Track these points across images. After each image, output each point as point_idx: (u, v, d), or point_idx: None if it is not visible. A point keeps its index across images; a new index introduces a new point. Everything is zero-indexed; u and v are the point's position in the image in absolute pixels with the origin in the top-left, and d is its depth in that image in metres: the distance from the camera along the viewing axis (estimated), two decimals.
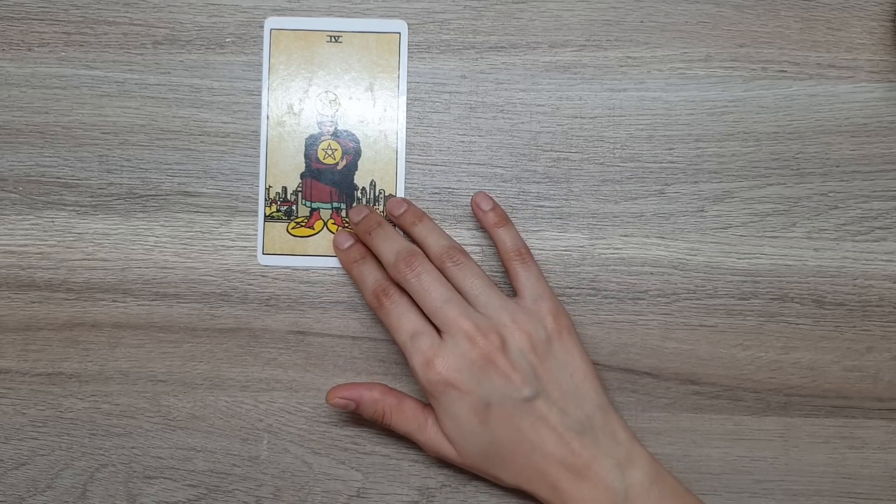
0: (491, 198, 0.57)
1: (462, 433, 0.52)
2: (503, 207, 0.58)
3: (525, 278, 0.55)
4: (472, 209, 0.57)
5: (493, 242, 0.56)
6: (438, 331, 0.53)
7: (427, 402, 0.55)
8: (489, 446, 0.52)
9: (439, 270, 0.54)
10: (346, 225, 0.58)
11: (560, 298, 0.58)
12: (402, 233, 0.57)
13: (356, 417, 0.58)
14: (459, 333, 0.52)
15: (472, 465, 0.54)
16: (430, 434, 0.54)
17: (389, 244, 0.55)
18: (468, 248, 0.58)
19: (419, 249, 0.55)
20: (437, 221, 0.58)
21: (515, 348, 0.52)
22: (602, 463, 0.51)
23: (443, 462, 0.56)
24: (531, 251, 0.56)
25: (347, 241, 0.57)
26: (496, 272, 0.58)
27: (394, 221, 0.57)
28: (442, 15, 0.59)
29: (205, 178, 0.58)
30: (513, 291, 0.56)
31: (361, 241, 0.57)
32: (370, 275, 0.55)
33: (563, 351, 0.53)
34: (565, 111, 0.59)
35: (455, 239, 0.57)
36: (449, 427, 0.53)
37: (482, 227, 0.58)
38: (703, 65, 0.59)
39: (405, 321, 0.53)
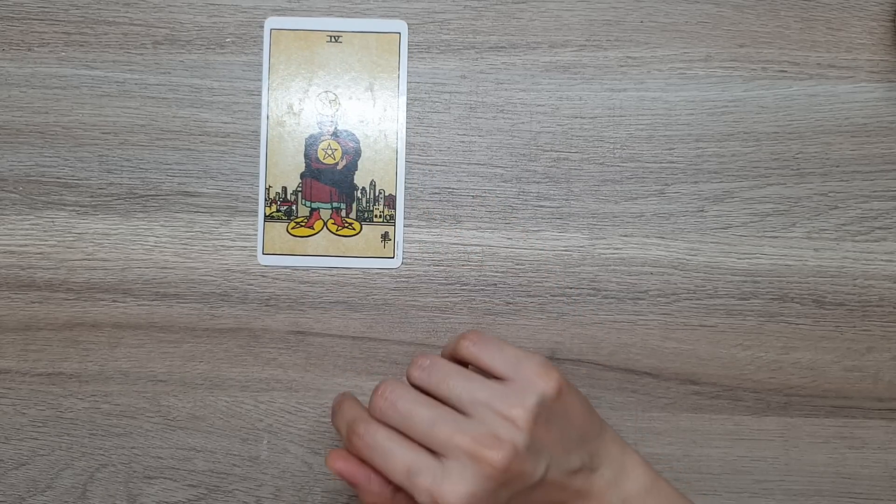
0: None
1: None
2: (503, 208, 0.58)
3: (489, 358, 0.48)
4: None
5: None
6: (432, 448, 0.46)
7: None
8: None
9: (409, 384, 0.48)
10: (346, 225, 0.58)
11: (560, 299, 0.58)
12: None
13: None
14: (461, 454, 0.45)
15: None
16: None
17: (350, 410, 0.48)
18: (470, 249, 0.58)
19: (386, 379, 0.48)
20: (437, 221, 0.58)
21: (522, 444, 0.46)
22: (599, 484, 0.50)
23: None
24: (474, 330, 0.49)
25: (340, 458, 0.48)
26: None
27: None
28: (442, 15, 0.59)
29: (205, 178, 0.58)
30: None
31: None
32: (341, 419, 0.48)
33: (562, 408, 0.48)
34: (565, 111, 0.59)
35: (454, 243, 0.57)
36: None
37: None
38: (703, 65, 0.59)
39: (393, 458, 0.46)
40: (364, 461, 0.46)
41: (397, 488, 0.47)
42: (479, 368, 0.49)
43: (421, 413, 0.46)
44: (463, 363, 0.49)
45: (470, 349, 0.49)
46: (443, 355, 0.50)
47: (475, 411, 0.46)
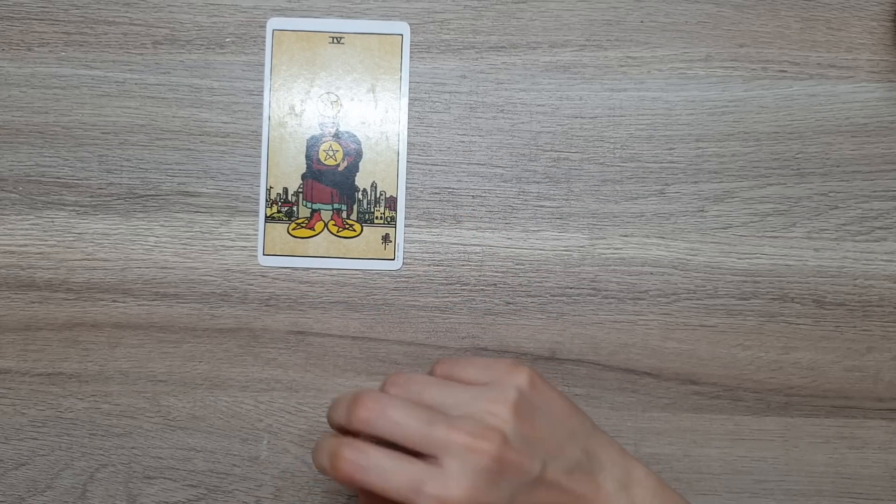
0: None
1: None
2: (503, 208, 0.58)
3: (462, 371, 0.50)
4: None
5: None
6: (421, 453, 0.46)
7: None
8: None
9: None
10: (347, 226, 0.58)
11: (560, 299, 0.58)
12: None
13: None
14: (459, 450, 0.45)
15: None
16: None
17: (337, 408, 0.47)
18: (471, 249, 0.58)
19: (369, 389, 0.47)
20: (437, 221, 0.58)
21: (514, 434, 0.47)
22: (605, 488, 0.50)
23: None
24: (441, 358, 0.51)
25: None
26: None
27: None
28: (442, 15, 0.59)
29: (205, 178, 0.58)
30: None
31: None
32: (322, 452, 0.46)
33: (542, 401, 0.49)
34: (565, 111, 0.59)
35: (454, 243, 0.57)
36: None
37: None
38: (703, 65, 0.59)
39: (394, 476, 0.45)
40: (357, 485, 0.45)
41: None
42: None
43: (416, 415, 0.46)
44: None
45: (443, 370, 0.49)
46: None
47: (462, 411, 0.47)
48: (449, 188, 0.59)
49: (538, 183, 0.59)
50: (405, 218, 0.58)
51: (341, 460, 0.45)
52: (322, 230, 0.58)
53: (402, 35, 0.59)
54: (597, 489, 0.49)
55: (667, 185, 0.58)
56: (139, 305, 0.58)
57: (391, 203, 0.58)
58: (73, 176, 0.58)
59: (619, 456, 0.51)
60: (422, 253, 0.58)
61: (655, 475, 0.51)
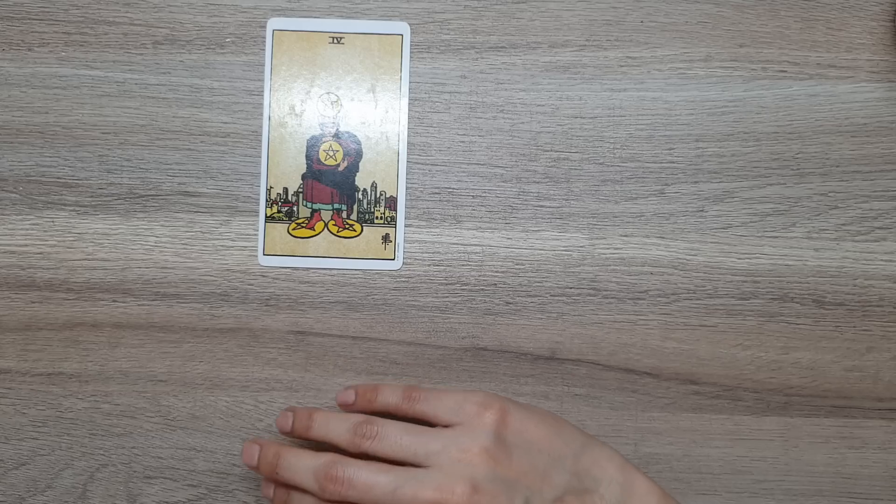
0: (350, 389, 0.54)
1: None
2: (503, 208, 0.58)
3: (431, 409, 0.51)
4: (341, 407, 0.54)
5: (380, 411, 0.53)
6: None
7: None
8: None
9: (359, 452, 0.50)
10: (347, 226, 0.58)
11: (560, 299, 0.58)
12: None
13: None
14: None
15: None
16: None
17: (299, 471, 0.50)
18: (471, 249, 0.58)
19: (336, 457, 0.49)
20: (437, 221, 0.58)
21: (485, 480, 0.47)
22: None
23: None
24: (414, 386, 0.54)
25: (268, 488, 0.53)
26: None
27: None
28: (442, 15, 0.59)
29: (205, 178, 0.58)
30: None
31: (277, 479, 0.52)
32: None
33: (517, 434, 0.49)
34: (565, 111, 0.59)
35: (454, 243, 0.57)
36: None
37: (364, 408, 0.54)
38: (703, 65, 0.59)
39: None
40: None
41: None
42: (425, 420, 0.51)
43: (380, 481, 0.47)
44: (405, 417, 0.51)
45: (414, 407, 0.51)
46: (377, 407, 0.52)
47: (432, 462, 0.48)
48: (449, 188, 0.59)
49: (538, 183, 0.59)
50: (405, 218, 0.58)
51: None
52: (322, 230, 0.58)
53: (402, 35, 0.59)
54: None
55: (667, 185, 0.58)
56: (139, 305, 0.58)
57: (391, 203, 0.58)
58: (73, 176, 0.58)
59: (617, 470, 0.50)
60: (422, 253, 0.58)
61: (659, 488, 0.51)
